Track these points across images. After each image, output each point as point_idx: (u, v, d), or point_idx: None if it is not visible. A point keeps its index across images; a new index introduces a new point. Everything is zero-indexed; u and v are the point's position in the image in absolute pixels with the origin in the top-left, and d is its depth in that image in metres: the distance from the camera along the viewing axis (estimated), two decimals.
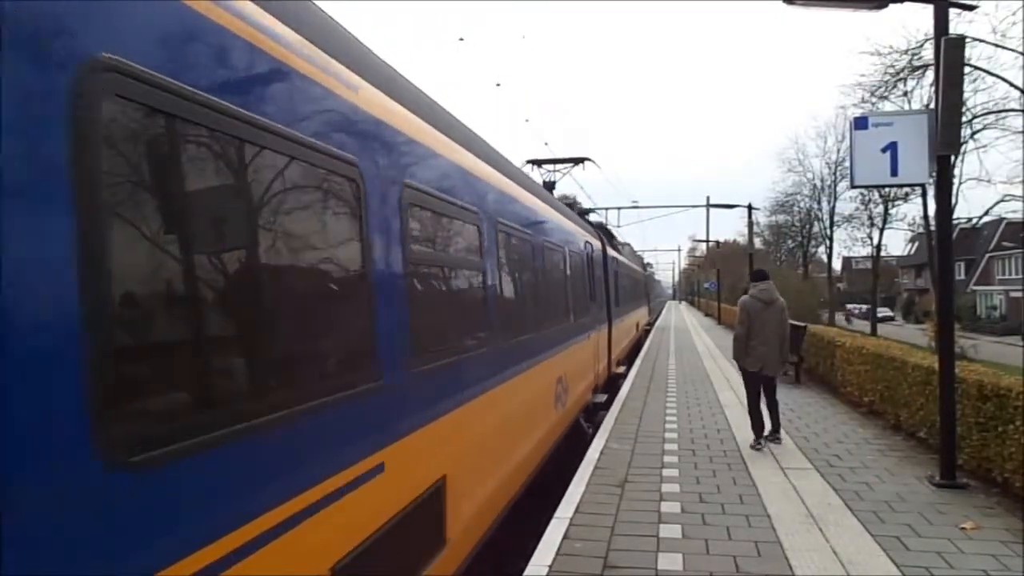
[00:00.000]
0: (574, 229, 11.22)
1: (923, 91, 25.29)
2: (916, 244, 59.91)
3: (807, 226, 50.63)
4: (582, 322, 10.75)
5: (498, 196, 6.16)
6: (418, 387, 3.85)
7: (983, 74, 22.43)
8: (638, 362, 18.82)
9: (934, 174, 7.20)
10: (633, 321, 23.47)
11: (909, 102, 25.70)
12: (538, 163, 17.17)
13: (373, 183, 3.39)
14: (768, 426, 8.63)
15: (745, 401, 8.90)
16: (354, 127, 3.27)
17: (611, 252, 16.87)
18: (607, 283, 15.05)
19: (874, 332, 37.35)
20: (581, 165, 17.85)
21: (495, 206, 5.94)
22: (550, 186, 15.49)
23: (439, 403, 4.19)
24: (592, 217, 19.75)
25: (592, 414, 11.38)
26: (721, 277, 48.15)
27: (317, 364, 2.93)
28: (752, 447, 8.36)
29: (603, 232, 17.77)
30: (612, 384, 14.35)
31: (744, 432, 9.34)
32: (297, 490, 2.56)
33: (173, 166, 2.11)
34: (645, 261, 48.77)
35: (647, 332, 31.26)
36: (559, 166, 17.61)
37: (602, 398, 12.23)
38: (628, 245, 32.20)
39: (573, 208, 14.30)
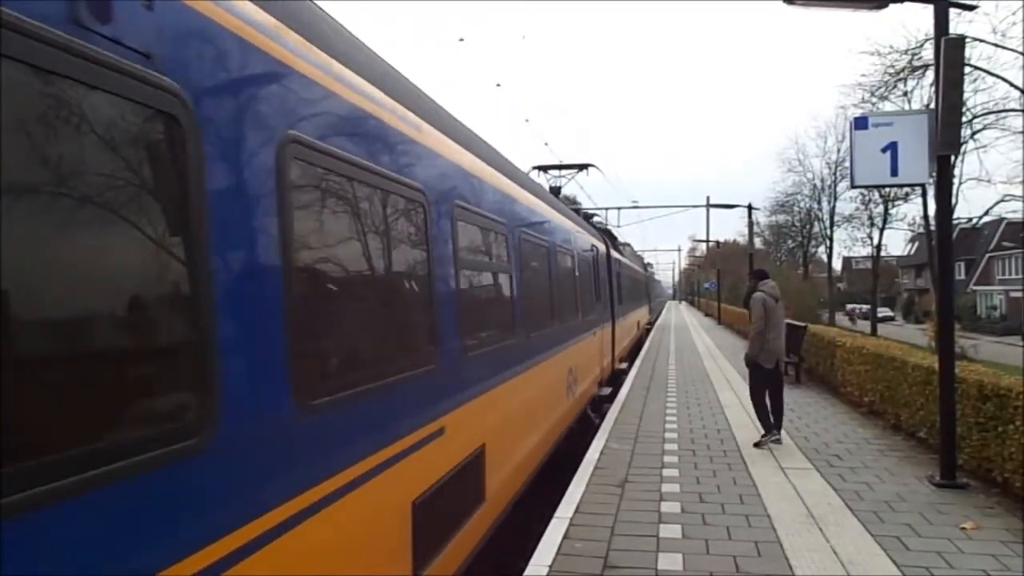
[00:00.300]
0: (582, 234, 12.07)
1: (923, 91, 25.33)
2: (916, 244, 59.92)
3: (807, 226, 50.66)
4: (589, 320, 11.60)
5: (523, 210, 7.25)
6: (465, 371, 4.75)
7: (983, 74, 22.46)
8: (638, 362, 18.82)
9: (934, 174, 7.20)
10: (634, 320, 24.37)
11: (909, 102, 25.73)
12: (544, 169, 18.12)
13: (434, 205, 4.37)
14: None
15: (743, 400, 8.88)
16: (420, 161, 4.23)
17: (614, 254, 17.78)
18: (611, 284, 15.85)
19: (874, 332, 37.35)
20: (585, 171, 18.82)
21: (520, 219, 6.98)
22: (556, 191, 16.30)
23: (479, 385, 5.09)
24: (592, 215, 20.81)
25: (598, 406, 11.95)
26: (721, 277, 48.15)
27: (409, 351, 3.92)
28: (760, 443, 8.39)
29: (606, 235, 18.82)
30: (615, 380, 14.94)
31: (744, 432, 9.34)
32: (393, 437, 3.50)
33: (344, 208, 3.23)
34: (645, 261, 49.72)
35: (647, 331, 31.70)
36: (564, 171, 18.58)
37: (607, 391, 12.97)
38: (629, 245, 32.27)
39: (579, 213, 15.58)
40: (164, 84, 1.95)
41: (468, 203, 5.08)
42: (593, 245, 13.26)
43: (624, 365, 17.18)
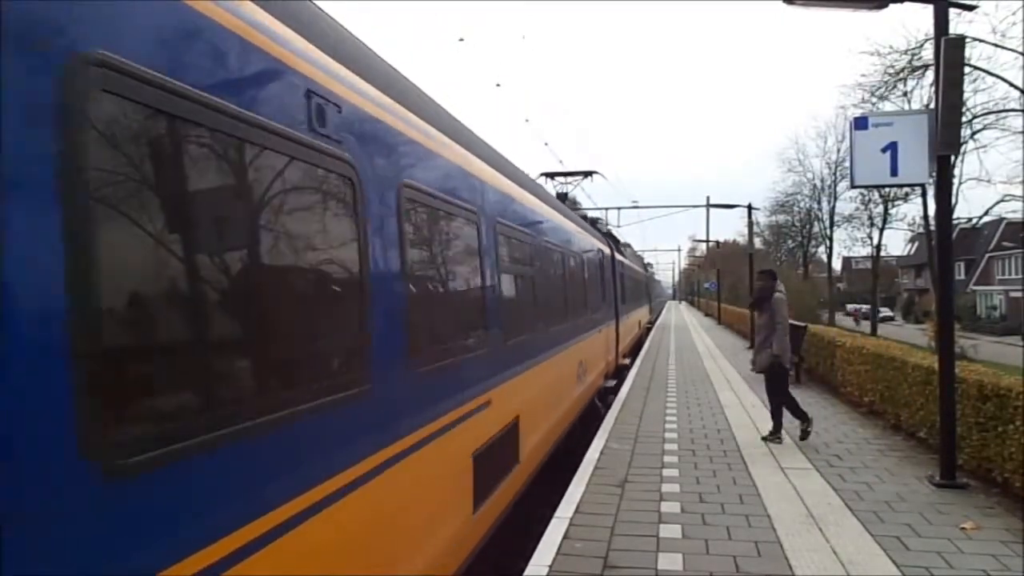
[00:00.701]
0: (590, 239, 13.48)
1: (923, 91, 25.31)
2: (916, 244, 59.90)
3: (807, 226, 50.64)
4: (596, 318, 12.92)
5: (547, 225, 8.59)
6: (504, 356, 5.86)
7: (983, 74, 22.45)
8: (638, 362, 18.83)
9: (934, 174, 7.20)
10: (636, 320, 25.73)
11: (909, 102, 25.72)
12: (551, 176, 19.48)
13: (484, 223, 5.43)
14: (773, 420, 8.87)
15: (743, 400, 8.94)
16: (480, 192, 5.44)
17: (617, 256, 19.01)
18: (615, 285, 17.04)
19: (874, 332, 37.36)
20: (590, 178, 20.34)
21: (543, 232, 8.28)
22: (563, 196, 17.21)
23: (513, 368, 6.18)
24: (592, 214, 21.56)
25: (604, 397, 13.07)
26: (721, 277, 48.13)
27: (474, 337, 5.07)
28: (801, 436, 8.69)
29: (611, 239, 20.08)
30: (619, 374, 16.06)
31: (744, 432, 9.35)
32: (454, 406, 4.43)
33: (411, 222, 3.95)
34: (645, 261, 50.10)
35: (648, 330, 32.29)
36: (570, 178, 20.00)
37: (612, 383, 14.33)
38: (629, 246, 32.34)
39: (586, 219, 16.94)
40: (345, 157, 3.08)
41: (508, 221, 6.37)
42: (599, 249, 14.63)
43: (627, 361, 18.38)
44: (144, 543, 1.83)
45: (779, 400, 8.84)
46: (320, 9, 3.42)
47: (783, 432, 8.77)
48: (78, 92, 1.72)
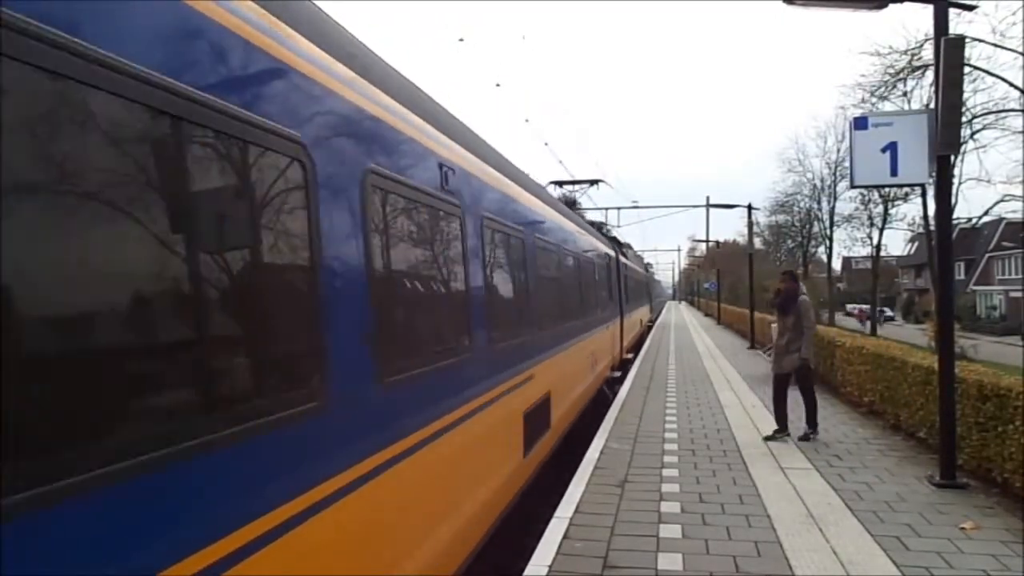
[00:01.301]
0: (598, 244, 15.01)
1: (923, 91, 25.24)
2: (916, 244, 59.85)
3: (807, 226, 50.55)
4: (604, 316, 14.53)
5: (567, 235, 10.38)
6: (540, 340, 7.44)
7: (983, 74, 22.39)
8: (638, 362, 18.83)
9: (934, 174, 7.20)
10: (638, 318, 27.52)
11: (909, 102, 25.67)
12: (560, 184, 20.60)
13: (529, 240, 7.07)
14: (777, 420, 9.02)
15: (743, 400, 8.95)
16: (526, 215, 7.15)
17: (622, 259, 20.91)
18: (619, 286, 18.72)
19: (874, 332, 37.35)
20: (596, 186, 21.64)
21: (564, 239, 9.97)
22: (572, 203, 17.91)
23: (545, 352, 7.74)
24: (592, 214, 23.43)
25: (610, 385, 14.62)
26: (721, 277, 48.10)
27: (523, 324, 6.66)
28: (802, 437, 8.86)
29: (615, 243, 21.55)
30: (623, 367, 17.52)
31: (744, 432, 9.35)
32: (512, 376, 5.97)
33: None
34: (645, 261, 50.59)
35: (649, 329, 33.26)
36: (577, 186, 21.32)
37: (617, 374, 15.88)
38: (630, 247, 32.46)
39: (593, 225, 18.51)
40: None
41: (542, 236, 8.16)
42: (606, 253, 16.36)
43: (630, 356, 20.01)
44: None
45: (811, 398, 9.04)
46: None
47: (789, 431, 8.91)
48: None
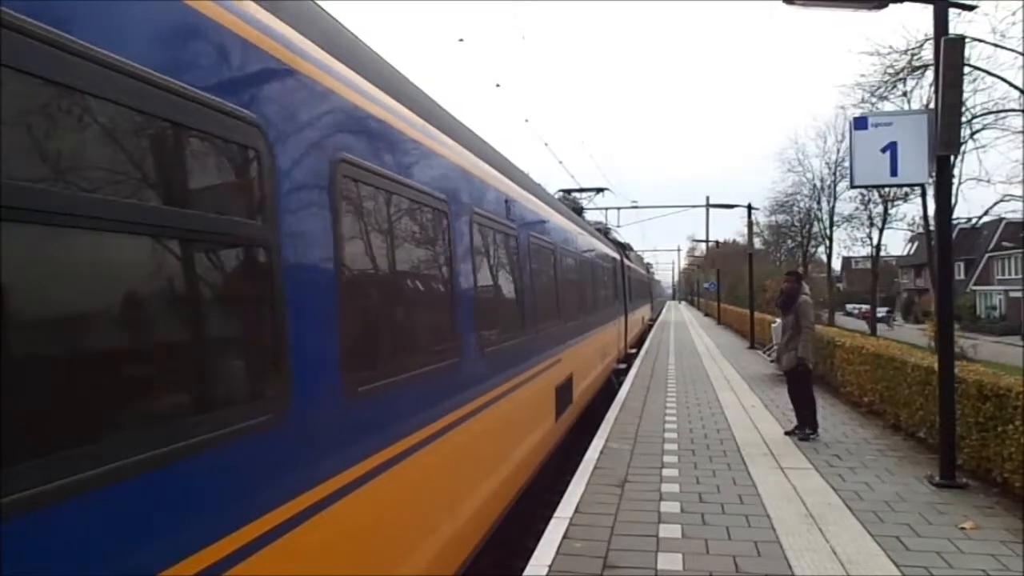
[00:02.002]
0: (605, 248, 16.81)
1: (923, 91, 25.24)
2: (916, 244, 59.80)
3: (807, 226, 50.54)
4: (610, 313, 16.25)
5: (579, 240, 11.87)
6: (565, 332, 9.01)
7: (983, 74, 22.39)
8: (638, 362, 18.84)
9: (933, 174, 7.20)
10: (640, 316, 29.62)
11: (909, 102, 25.66)
12: (567, 192, 21.81)
13: (560, 252, 8.86)
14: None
15: (742, 400, 8.96)
16: (550, 229, 8.71)
17: (626, 262, 22.90)
18: (623, 287, 20.44)
19: (873, 332, 37.34)
20: (601, 194, 23.79)
21: (577, 244, 11.49)
22: (579, 210, 18.87)
23: (569, 341, 9.32)
24: (591, 214, 24.41)
25: (617, 376, 16.31)
26: (721, 277, 48.10)
27: (552, 317, 8.15)
28: (811, 437, 8.88)
29: (620, 246, 23.22)
30: (627, 361, 19.21)
31: (744, 433, 9.35)
32: (548, 358, 7.69)
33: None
34: (645, 261, 51.47)
35: (650, 327, 34.69)
36: (585, 193, 23.28)
37: (622, 367, 17.64)
38: (629, 246, 32.65)
39: (600, 230, 20.10)
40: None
41: (568, 247, 10.18)
42: (613, 257, 18.23)
43: (633, 351, 21.72)
44: None
45: (804, 399, 9.08)
46: None
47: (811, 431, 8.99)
48: None
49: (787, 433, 9.04)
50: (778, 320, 18.60)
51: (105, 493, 1.73)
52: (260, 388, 2.42)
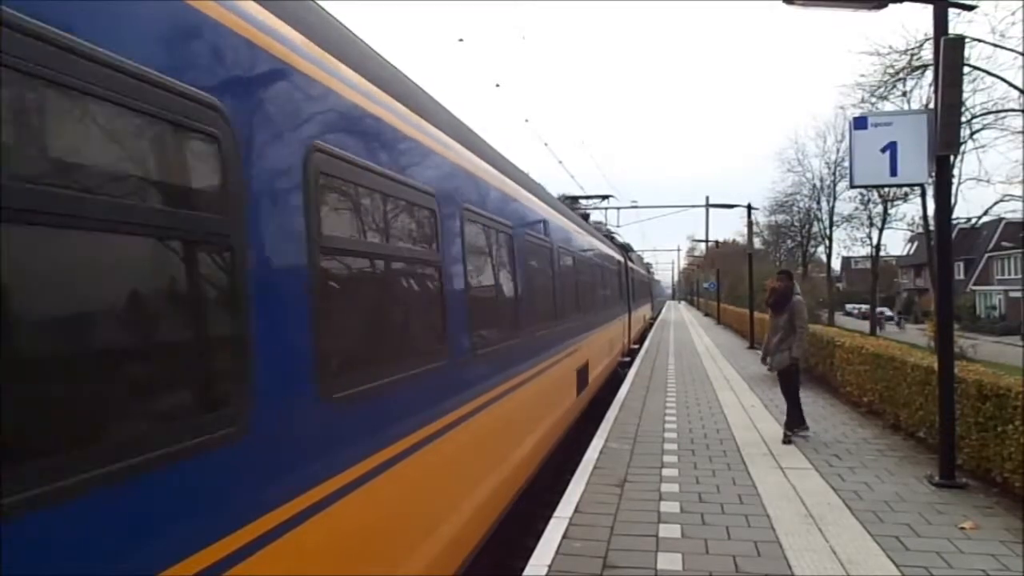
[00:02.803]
0: (611, 251, 18.50)
1: (922, 91, 25.26)
2: (915, 244, 59.79)
3: (806, 226, 50.58)
4: (616, 311, 18.12)
5: (591, 245, 13.68)
6: (582, 325, 10.79)
7: (982, 74, 22.40)
8: (637, 362, 18.84)
9: (933, 174, 7.20)
10: (641, 314, 31.50)
11: (908, 102, 25.68)
12: (575, 199, 23.35)
13: (578, 256, 11.42)
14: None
15: (742, 400, 8.93)
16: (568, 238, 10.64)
17: (629, 264, 24.81)
18: (627, 287, 22.23)
19: (873, 332, 37.34)
20: (606, 201, 25.60)
21: (588, 248, 13.14)
22: (586, 216, 20.57)
23: (584, 333, 10.86)
24: (592, 213, 25.44)
25: (622, 367, 17.98)
26: (721, 277, 48.13)
27: (575, 312, 10.30)
28: (800, 436, 8.87)
29: (623, 249, 25.15)
30: (631, 355, 20.98)
31: (744, 432, 9.35)
32: (571, 345, 9.63)
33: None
34: (644, 261, 52.41)
35: (650, 326, 35.83)
36: (590, 200, 25.23)
37: (627, 359, 19.52)
38: (629, 246, 32.89)
39: (606, 235, 21.97)
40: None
41: (585, 254, 12.19)
42: (617, 259, 19.96)
43: (636, 346, 23.40)
44: None
45: (795, 397, 9.07)
46: None
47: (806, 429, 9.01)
48: None
49: (786, 441, 8.70)
50: None
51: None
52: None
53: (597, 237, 16.22)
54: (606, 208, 31.99)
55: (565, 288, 9.59)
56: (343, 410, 2.93)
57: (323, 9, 3.46)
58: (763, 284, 36.85)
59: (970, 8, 8.46)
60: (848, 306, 68.64)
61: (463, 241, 4.83)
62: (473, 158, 5.46)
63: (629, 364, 18.43)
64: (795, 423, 8.98)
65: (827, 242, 48.17)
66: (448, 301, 4.38)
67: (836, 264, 65.49)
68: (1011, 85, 22.30)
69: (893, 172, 7.22)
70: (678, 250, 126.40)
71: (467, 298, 4.82)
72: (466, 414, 4.56)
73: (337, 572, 2.78)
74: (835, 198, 45.58)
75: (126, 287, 1.93)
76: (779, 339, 8.96)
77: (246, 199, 2.34)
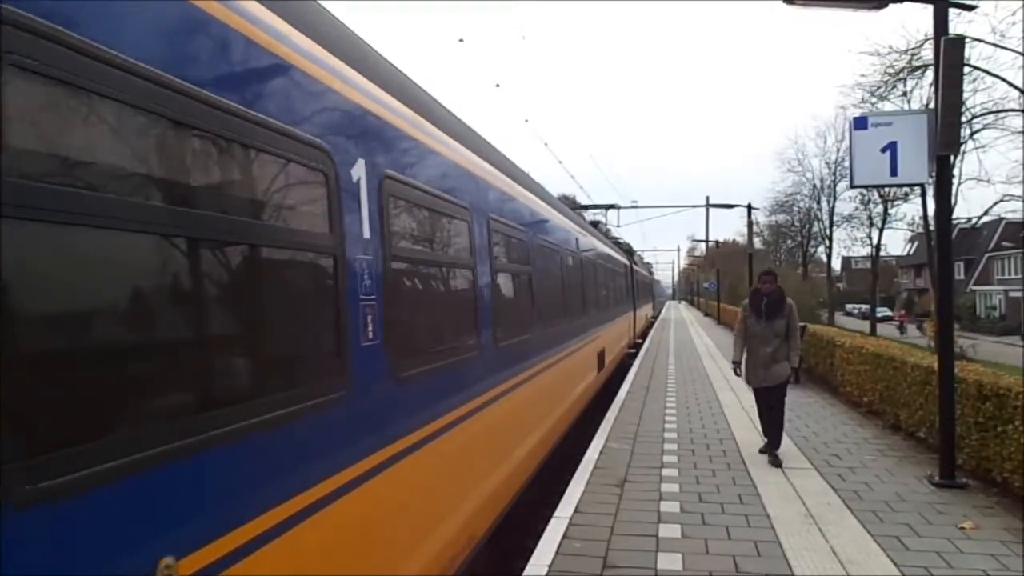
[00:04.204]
0: (617, 254, 20.93)
1: (923, 91, 25.32)
2: (916, 244, 59.84)
3: (807, 226, 50.65)
4: (624, 308, 21.03)
5: (603, 251, 16.22)
6: (599, 318, 13.77)
7: (983, 74, 22.43)
8: (637, 362, 18.84)
9: (933, 174, 7.20)
10: (644, 312, 33.94)
11: (909, 102, 25.74)
12: (583, 208, 25.82)
13: (598, 262, 14.90)
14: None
15: (742, 400, 8.82)
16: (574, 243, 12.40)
17: (634, 266, 27.64)
18: (632, 287, 24.91)
19: (873, 332, 37.36)
20: (611, 210, 28.18)
21: (605, 257, 16.18)
22: (595, 224, 22.87)
23: (601, 325, 13.89)
24: (591, 213, 27.74)
25: (628, 358, 20.21)
26: (721, 277, 48.17)
27: (595, 308, 13.31)
28: (776, 457, 7.76)
29: (628, 253, 26.97)
30: (635, 348, 23.52)
31: (743, 433, 9.36)
32: (593, 333, 12.47)
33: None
34: (645, 261, 53.45)
35: (651, 324, 37.97)
36: (591, 209, 27.66)
37: (632, 351, 22.05)
38: (630, 247, 33.16)
39: (610, 237, 24.86)
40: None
41: (601, 260, 15.13)
42: (624, 264, 22.64)
43: (640, 341, 26.18)
44: None
45: (782, 413, 8.03)
46: None
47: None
48: None
49: (773, 464, 7.56)
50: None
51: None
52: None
53: (608, 245, 19.18)
54: (606, 208, 32.07)
55: (588, 289, 12.47)
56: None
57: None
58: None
59: (970, 8, 8.46)
60: (848, 306, 68.64)
61: (534, 256, 7.46)
62: (530, 195, 7.88)
63: (634, 355, 20.83)
64: (779, 441, 7.94)
65: (827, 242, 48.28)
66: (521, 297, 6.93)
67: (836, 264, 65.66)
68: (1011, 85, 22.34)
69: (893, 172, 7.22)
70: (678, 250, 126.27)
71: (535, 295, 7.41)
72: (530, 376, 6.86)
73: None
74: (835, 198, 45.69)
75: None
76: (775, 348, 7.72)
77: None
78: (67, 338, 1.76)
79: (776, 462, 7.60)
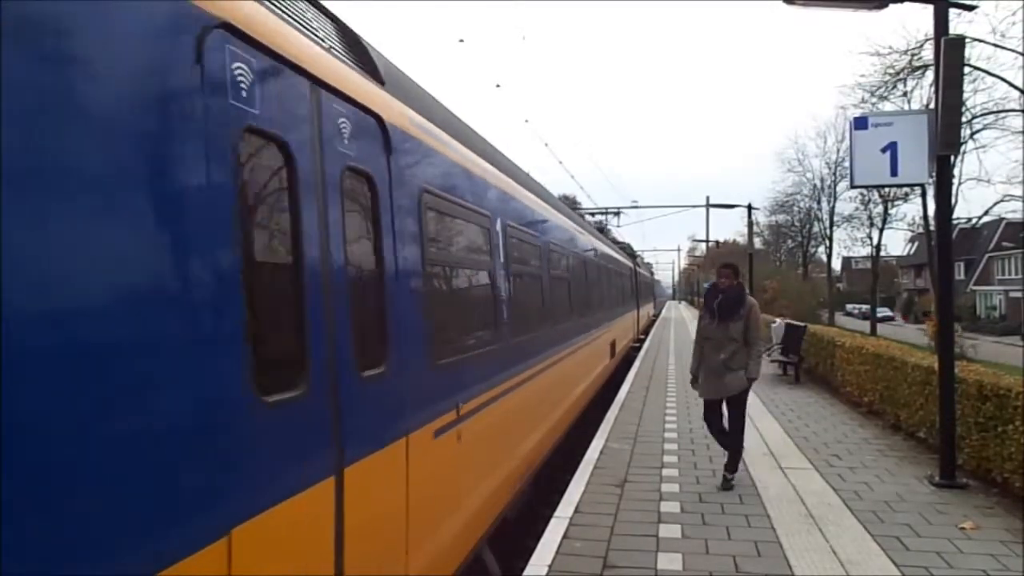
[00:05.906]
0: (622, 257, 23.36)
1: (923, 91, 25.25)
2: (916, 244, 59.82)
3: (807, 226, 50.59)
4: (629, 306, 23.20)
5: (611, 254, 18.85)
6: (610, 315, 16.44)
7: (983, 74, 22.40)
8: (638, 362, 18.85)
9: (934, 174, 7.20)
10: (646, 311, 36.26)
11: (909, 102, 25.67)
12: (588, 214, 28.05)
13: (609, 266, 17.85)
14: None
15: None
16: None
17: (637, 268, 29.77)
18: (635, 286, 26.81)
19: (873, 332, 37.34)
20: (616, 215, 31.25)
21: (614, 261, 19.37)
22: (601, 227, 25.57)
23: (611, 320, 16.58)
24: (591, 215, 29.32)
25: (634, 351, 22.14)
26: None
27: (604, 306, 15.26)
28: (731, 481, 6.78)
29: (632, 256, 29.30)
30: (639, 342, 25.83)
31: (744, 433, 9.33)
32: (607, 325, 15.52)
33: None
34: (646, 261, 54.91)
35: (652, 323, 39.09)
36: (595, 214, 30.19)
37: (636, 345, 24.29)
38: (633, 250, 33.71)
39: (615, 241, 26.89)
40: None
41: (611, 264, 18.20)
42: (629, 266, 25.10)
43: (642, 337, 28.02)
44: None
45: (742, 430, 6.94)
46: None
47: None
48: None
49: (726, 487, 6.65)
50: (778, 320, 18.62)
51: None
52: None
53: (615, 249, 21.62)
54: (606, 208, 32.10)
55: (602, 287, 15.06)
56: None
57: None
58: (762, 284, 36.73)
59: (970, 8, 8.47)
60: (848, 306, 68.64)
61: (572, 264, 10.37)
62: (552, 209, 9.66)
63: (638, 349, 22.90)
64: (737, 462, 6.88)
65: (827, 242, 48.19)
66: (566, 296, 9.88)
67: (836, 264, 65.58)
68: (1011, 85, 22.32)
69: (893, 172, 7.22)
70: (678, 250, 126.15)
71: (572, 295, 10.17)
72: (571, 352, 9.68)
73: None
74: (835, 198, 45.61)
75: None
76: (729, 355, 6.64)
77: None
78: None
79: (727, 486, 6.61)
